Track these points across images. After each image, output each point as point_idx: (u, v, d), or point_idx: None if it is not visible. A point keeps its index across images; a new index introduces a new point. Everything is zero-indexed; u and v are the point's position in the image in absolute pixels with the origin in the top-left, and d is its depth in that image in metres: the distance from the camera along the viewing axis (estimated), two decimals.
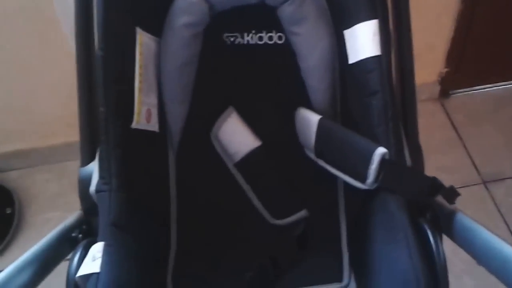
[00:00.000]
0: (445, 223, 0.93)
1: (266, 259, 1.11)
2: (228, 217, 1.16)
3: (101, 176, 0.91)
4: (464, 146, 2.11)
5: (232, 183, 1.15)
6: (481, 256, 0.86)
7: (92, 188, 0.93)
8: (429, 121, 2.20)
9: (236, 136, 1.13)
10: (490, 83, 2.32)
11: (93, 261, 0.83)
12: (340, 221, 1.16)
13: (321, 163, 1.06)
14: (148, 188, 1.02)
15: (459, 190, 1.83)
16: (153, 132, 1.04)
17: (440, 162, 2.03)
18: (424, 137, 2.02)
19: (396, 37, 1.04)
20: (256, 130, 1.14)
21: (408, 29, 1.04)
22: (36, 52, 1.70)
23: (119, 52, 0.94)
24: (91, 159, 1.00)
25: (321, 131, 1.04)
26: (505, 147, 2.10)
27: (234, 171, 1.14)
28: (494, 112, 2.22)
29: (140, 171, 0.98)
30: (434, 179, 0.94)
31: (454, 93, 2.30)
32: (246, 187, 1.15)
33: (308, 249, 1.15)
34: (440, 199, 0.96)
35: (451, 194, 0.95)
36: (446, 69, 2.19)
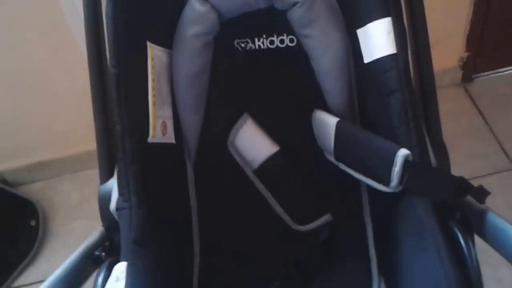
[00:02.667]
0: (476, 223, 0.90)
1: (292, 266, 1.10)
2: (250, 225, 1.15)
3: (120, 193, 0.92)
4: (491, 131, 2.08)
5: (253, 191, 1.14)
6: None
7: (113, 205, 0.94)
8: (454, 107, 2.17)
9: (253, 143, 1.13)
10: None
11: (116, 281, 0.83)
12: (366, 225, 1.14)
13: (342, 166, 1.05)
14: (168, 202, 1.02)
15: (489, 177, 1.84)
16: (170, 144, 1.04)
17: (468, 149, 2.00)
18: (450, 124, 2.01)
19: (412, 33, 1.02)
20: (273, 136, 1.13)
21: (424, 25, 1.02)
22: (54, 63, 1.72)
23: (132, 68, 0.93)
24: (110, 175, 1.01)
25: (340, 134, 1.02)
26: None
27: (253, 178, 1.14)
28: None
29: (159, 185, 0.98)
30: (461, 179, 0.91)
31: (477, 77, 2.27)
32: (266, 194, 1.14)
33: (334, 255, 1.13)
34: (470, 198, 0.93)
35: (481, 193, 0.92)
36: (467, 53, 2.16)
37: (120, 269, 0.84)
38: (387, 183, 0.92)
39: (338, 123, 1.02)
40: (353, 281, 1.11)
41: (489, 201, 0.91)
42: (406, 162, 0.89)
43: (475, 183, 1.57)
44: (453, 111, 2.14)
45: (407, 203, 0.94)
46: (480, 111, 2.15)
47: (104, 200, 0.98)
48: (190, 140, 1.11)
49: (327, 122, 1.05)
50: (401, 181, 0.91)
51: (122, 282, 0.82)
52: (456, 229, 0.90)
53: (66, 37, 1.56)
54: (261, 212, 1.14)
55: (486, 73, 2.28)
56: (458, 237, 0.88)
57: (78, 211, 2.00)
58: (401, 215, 0.96)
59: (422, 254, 0.87)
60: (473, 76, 2.26)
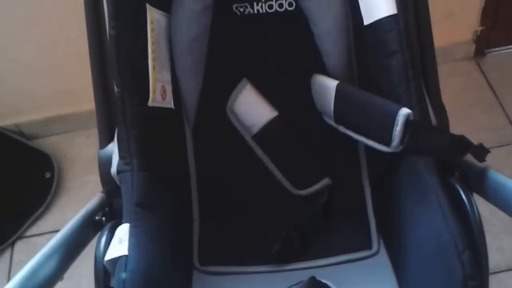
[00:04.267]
0: (477, 182, 0.90)
1: (292, 229, 1.09)
2: (250, 190, 1.15)
3: (121, 157, 0.92)
4: (501, 105, 2.04)
5: (252, 156, 1.14)
6: None
7: (114, 169, 0.93)
8: (465, 80, 2.13)
9: (252, 108, 1.12)
10: None
11: (120, 243, 0.82)
12: (364, 187, 1.14)
13: (342, 129, 1.04)
14: (168, 165, 1.02)
15: (497, 150, 1.82)
16: (168, 109, 1.04)
17: (476, 121, 1.97)
18: (460, 96, 1.99)
19: None
20: (272, 101, 1.13)
21: None
22: (72, 20, 1.72)
23: (131, 30, 0.93)
24: (110, 140, 1.00)
25: (340, 96, 1.01)
26: None
27: (252, 143, 1.14)
28: None
29: (159, 148, 0.98)
30: (462, 137, 0.91)
31: (489, 52, 2.21)
32: (265, 159, 1.14)
33: (333, 218, 1.13)
34: (469, 158, 0.93)
35: (481, 151, 0.91)
36: (480, 27, 2.10)
37: (123, 230, 0.84)
38: (388, 143, 0.92)
39: (338, 85, 1.01)
40: (352, 242, 1.10)
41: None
42: (407, 121, 0.88)
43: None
44: (464, 85, 2.11)
45: (408, 162, 0.93)
46: (490, 85, 2.11)
47: (104, 165, 0.98)
48: (189, 105, 1.10)
49: (327, 85, 1.04)
50: (402, 141, 0.90)
51: (125, 243, 0.82)
52: (457, 186, 0.89)
53: None
54: (260, 177, 1.14)
55: (499, 48, 2.22)
56: (459, 193, 0.88)
57: (92, 165, 1.98)
58: (401, 174, 0.95)
59: (424, 209, 0.86)
60: (486, 51, 2.20)
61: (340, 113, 1.03)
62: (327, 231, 1.11)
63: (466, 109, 2.00)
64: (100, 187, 1.65)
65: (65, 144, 2.09)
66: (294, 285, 0.94)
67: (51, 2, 1.68)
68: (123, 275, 0.78)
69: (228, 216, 1.15)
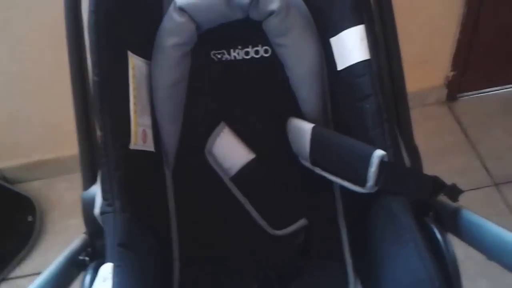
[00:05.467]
0: (451, 221, 0.90)
1: (270, 270, 1.10)
2: (228, 231, 1.16)
3: (104, 198, 0.92)
4: (474, 149, 2.08)
5: (230, 197, 1.15)
6: (492, 251, 0.83)
7: (97, 210, 0.93)
8: (438, 124, 2.18)
9: (230, 151, 1.14)
10: (497, 86, 2.29)
11: (103, 281, 0.82)
12: (340, 227, 1.15)
13: (318, 170, 1.06)
14: (148, 207, 1.02)
15: (471, 193, 1.84)
16: (149, 152, 1.05)
17: (450, 165, 2.00)
18: (433, 140, 2.02)
19: (384, 40, 1.03)
20: (250, 143, 1.14)
21: (394, 31, 1.03)
22: (56, 65, 1.73)
23: (113, 77, 0.95)
24: (93, 182, 1.00)
25: (315, 138, 1.03)
26: None
27: (230, 185, 1.15)
28: (503, 114, 2.19)
29: (140, 191, 0.99)
30: (435, 178, 0.92)
31: (461, 96, 2.28)
32: (243, 200, 1.15)
33: (310, 258, 1.14)
34: (443, 198, 0.94)
35: (454, 192, 0.92)
36: (452, 73, 2.17)
37: (107, 269, 0.84)
38: (363, 184, 0.93)
39: (313, 128, 1.04)
40: (330, 283, 1.11)
41: None
42: (381, 162, 0.90)
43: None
44: (436, 129, 2.15)
45: (382, 203, 0.94)
46: (463, 130, 2.15)
47: (87, 206, 0.97)
48: (169, 148, 1.12)
49: (303, 128, 1.06)
50: (377, 182, 0.91)
51: (109, 282, 0.81)
52: (432, 225, 0.90)
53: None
54: (239, 218, 1.15)
55: (470, 93, 2.28)
56: (434, 233, 0.89)
57: (74, 209, 1.97)
58: (377, 215, 0.96)
59: (400, 249, 0.87)
60: (457, 95, 2.26)
61: (316, 155, 1.04)
62: (304, 272, 1.12)
63: (439, 153, 2.03)
64: (82, 230, 1.65)
65: (48, 188, 2.10)
66: None
67: (32, 52, 1.70)
68: None
69: (207, 256, 1.15)
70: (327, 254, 1.14)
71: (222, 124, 1.14)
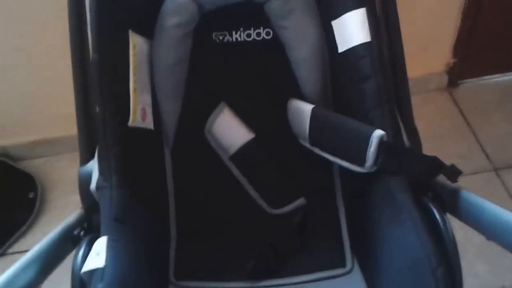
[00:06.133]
0: (449, 202, 0.91)
1: (267, 247, 1.10)
2: (226, 209, 1.17)
3: (101, 173, 0.93)
4: (474, 134, 2.07)
5: (228, 176, 1.16)
6: (491, 230, 0.84)
7: (93, 185, 0.94)
8: (438, 110, 2.17)
9: (230, 130, 1.14)
10: (497, 73, 2.27)
11: (97, 255, 0.82)
12: (338, 207, 1.16)
13: (317, 151, 1.06)
14: (146, 184, 1.03)
15: (471, 177, 1.84)
16: (148, 130, 1.06)
17: (450, 150, 1.99)
18: (434, 125, 2.02)
19: (384, 23, 1.03)
20: (249, 124, 1.15)
21: (395, 14, 1.03)
22: (62, 47, 1.74)
23: (113, 54, 0.95)
24: (90, 158, 1.01)
25: (315, 119, 1.04)
26: None
27: (229, 164, 1.15)
28: (502, 101, 2.18)
29: (138, 167, 0.99)
30: (434, 158, 0.92)
31: (462, 83, 2.26)
32: (242, 179, 1.16)
33: (308, 237, 1.14)
34: (442, 179, 0.94)
35: (453, 172, 0.92)
36: (453, 60, 2.15)
37: (101, 243, 0.84)
38: (362, 164, 0.93)
39: (313, 109, 1.04)
40: (326, 260, 1.11)
41: None
42: (380, 142, 0.90)
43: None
44: (437, 114, 2.15)
45: (381, 182, 0.94)
46: (463, 115, 2.15)
47: (84, 181, 0.98)
48: (168, 127, 1.12)
49: (303, 109, 1.06)
50: (375, 161, 0.92)
51: (103, 256, 0.82)
52: (430, 205, 0.90)
53: None
54: (237, 197, 1.16)
55: (471, 79, 2.27)
56: (433, 212, 0.89)
57: (75, 187, 2.00)
58: (375, 194, 0.97)
59: (398, 227, 0.87)
60: (458, 82, 2.25)
61: (315, 135, 1.05)
62: (301, 250, 1.12)
63: (439, 138, 2.03)
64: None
65: (50, 166, 2.10)
66: None
67: (40, 26, 1.70)
68: (99, 286, 0.78)
69: (204, 234, 1.15)
70: (324, 234, 1.14)
71: (222, 104, 1.14)
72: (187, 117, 1.13)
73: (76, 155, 2.01)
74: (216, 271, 1.11)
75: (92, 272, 0.81)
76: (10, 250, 1.86)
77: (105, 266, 0.80)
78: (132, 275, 0.85)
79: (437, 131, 2.07)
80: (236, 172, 1.16)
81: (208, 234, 1.15)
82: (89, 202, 0.98)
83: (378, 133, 0.90)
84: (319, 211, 1.15)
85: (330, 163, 1.08)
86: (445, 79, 2.23)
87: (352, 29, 0.98)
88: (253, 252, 1.09)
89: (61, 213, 1.93)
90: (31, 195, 1.96)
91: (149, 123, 1.06)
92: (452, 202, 0.91)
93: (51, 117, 2.03)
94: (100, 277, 0.79)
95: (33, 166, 2.09)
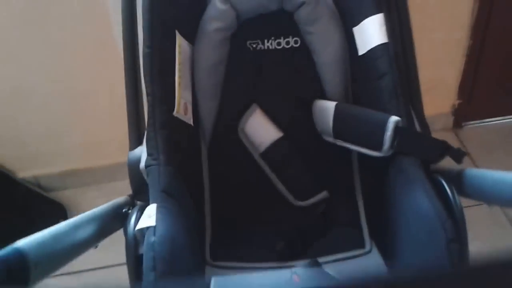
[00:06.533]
0: (455, 180, 0.98)
1: (294, 232, 1.20)
2: (256, 201, 1.27)
3: (149, 154, 1.03)
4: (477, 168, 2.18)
5: (258, 171, 1.27)
6: (493, 194, 0.91)
7: (142, 164, 1.04)
8: None
9: (261, 129, 1.26)
10: (501, 116, 2.40)
11: (148, 217, 0.91)
12: (358, 199, 1.26)
13: (340, 143, 1.17)
14: (186, 169, 1.12)
15: (476, 208, 1.92)
16: (189, 125, 1.17)
17: None
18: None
19: (398, 29, 1.15)
20: (278, 123, 1.27)
21: (407, 20, 1.15)
22: (96, 78, 1.86)
23: (162, 50, 1.07)
24: (138, 144, 1.12)
25: (338, 113, 1.15)
26: None
27: (259, 160, 1.26)
28: (506, 142, 2.29)
29: (180, 152, 1.09)
30: (444, 141, 1.03)
31: (467, 124, 2.39)
32: (270, 174, 1.26)
33: (330, 224, 1.24)
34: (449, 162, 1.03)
35: (459, 154, 1.03)
36: (458, 101, 2.28)
37: (152, 209, 0.93)
38: (379, 148, 1.04)
39: (337, 105, 1.16)
40: (347, 243, 1.20)
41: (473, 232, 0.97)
42: (396, 126, 1.01)
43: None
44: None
45: (396, 164, 1.05)
46: (468, 154, 2.26)
47: (133, 164, 1.08)
48: (206, 124, 1.24)
49: (327, 107, 1.18)
50: (392, 144, 1.02)
51: (154, 217, 0.90)
52: (440, 178, 0.99)
53: (110, 53, 1.65)
54: (266, 190, 1.27)
55: (475, 121, 2.39)
56: (442, 184, 0.97)
57: None
58: (389, 175, 1.07)
59: (409, 193, 0.97)
60: (463, 124, 2.37)
61: (338, 128, 1.16)
62: (324, 235, 1.22)
63: None
64: (110, 239, 1.75)
65: (79, 196, 2.19)
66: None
67: (74, 63, 1.83)
68: (153, 238, 0.87)
69: (236, 221, 1.25)
70: (344, 221, 1.25)
71: (254, 105, 1.26)
72: (223, 116, 1.25)
73: (103, 186, 2.13)
74: (248, 253, 1.20)
75: (144, 230, 0.90)
76: None
77: (156, 225, 0.89)
78: (180, 236, 0.94)
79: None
80: (265, 168, 1.27)
81: (240, 222, 1.25)
82: (137, 183, 1.07)
83: (394, 118, 1.02)
84: (340, 202, 1.26)
85: (351, 158, 1.21)
86: (450, 120, 2.35)
87: (371, 33, 1.10)
88: (281, 237, 1.18)
89: None
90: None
91: (189, 118, 1.17)
92: (457, 180, 0.98)
93: (82, 148, 2.15)
94: (153, 233, 0.88)
95: (63, 196, 2.18)
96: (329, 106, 1.18)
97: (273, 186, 1.27)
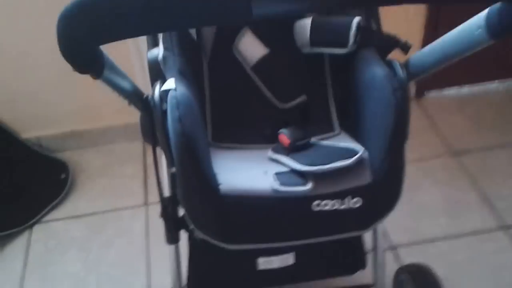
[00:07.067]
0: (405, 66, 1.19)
1: (280, 122, 1.39)
2: (248, 105, 1.50)
3: (165, 48, 1.25)
4: (437, 130, 2.47)
5: (250, 82, 1.49)
6: (429, 61, 1.12)
7: (160, 56, 1.25)
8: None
9: (251, 47, 1.48)
10: (458, 85, 2.70)
11: (169, 84, 1.12)
12: (329, 100, 1.49)
13: (315, 50, 1.40)
14: (193, 70, 1.33)
15: (434, 161, 2.17)
16: (193, 39, 1.40)
17: (417, 142, 2.38)
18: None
19: None
20: (265, 42, 1.49)
21: None
22: None
23: None
24: (155, 45, 1.32)
25: (314, 24, 1.38)
26: (471, 129, 2.45)
27: (251, 72, 1.49)
28: (462, 107, 2.58)
29: (188, 52, 1.30)
30: (394, 36, 1.28)
31: (428, 93, 2.68)
32: (259, 83, 1.49)
33: (307, 118, 1.46)
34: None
35: (406, 46, 1.28)
36: None
37: (171, 81, 1.13)
38: (346, 44, 1.28)
39: (313, 18, 1.39)
40: (321, 129, 1.43)
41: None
42: (358, 25, 1.26)
43: (421, 164, 2.15)
44: None
45: (358, 56, 1.28)
46: (428, 116, 2.55)
47: (151, 60, 1.27)
48: (206, 44, 1.47)
49: (305, 22, 1.41)
50: (355, 40, 1.26)
51: (173, 83, 1.11)
52: (391, 60, 1.21)
53: None
54: (256, 97, 1.49)
55: (435, 90, 2.69)
56: (393, 64, 1.18)
57: (102, 171, 2.31)
58: (354, 66, 1.30)
59: (369, 72, 1.20)
60: (424, 92, 2.66)
61: (314, 36, 1.38)
62: (305, 125, 1.42)
63: (410, 137, 2.38)
64: (108, 188, 2.13)
65: (78, 157, 2.40)
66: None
67: None
68: (174, 92, 1.09)
69: (232, 118, 1.47)
70: (318, 115, 1.48)
71: (245, 27, 1.50)
72: (220, 35, 1.48)
73: (101, 148, 2.33)
74: (242, 136, 1.43)
75: (166, 92, 1.11)
76: (44, 219, 2.13)
77: (176, 87, 1.11)
78: (194, 102, 1.16)
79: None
80: (255, 78, 1.49)
81: (235, 119, 1.48)
82: (155, 76, 1.25)
83: (357, 19, 1.27)
84: (316, 104, 1.49)
85: (324, 68, 1.47)
86: (413, 88, 2.62)
87: None
88: (269, 126, 1.41)
89: (89, 192, 2.24)
90: (63, 176, 2.24)
91: (193, 33, 1.41)
92: (405, 64, 1.19)
93: (82, 110, 2.34)
94: (174, 91, 1.10)
95: (63, 157, 2.37)
96: (307, 21, 1.40)
97: (261, 92, 1.49)
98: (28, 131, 2.34)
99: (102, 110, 2.35)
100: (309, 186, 1.09)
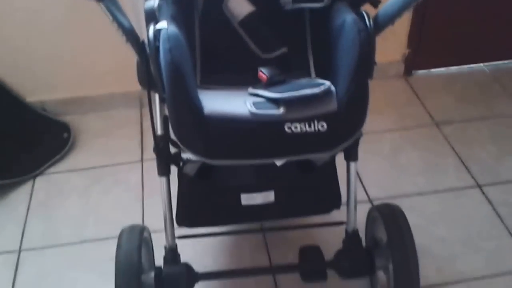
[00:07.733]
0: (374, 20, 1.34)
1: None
2: (234, 54, 1.63)
3: None
4: (423, 104, 2.60)
5: (237, 35, 1.62)
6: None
7: (155, 4, 1.36)
8: (395, 90, 2.70)
9: (239, 5, 1.62)
10: (445, 66, 2.82)
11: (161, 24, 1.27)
12: (308, 50, 1.63)
13: (296, 5, 1.54)
14: (185, 21, 1.47)
15: (417, 130, 2.31)
16: None
17: (403, 113, 2.54)
18: (391, 99, 2.50)
19: None
20: (252, 1, 1.62)
21: None
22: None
23: None
24: None
25: None
26: (455, 104, 2.59)
27: (238, 27, 1.62)
28: (448, 87, 2.70)
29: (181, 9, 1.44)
30: None
31: (416, 72, 2.79)
32: (245, 37, 1.62)
33: (288, 69, 1.57)
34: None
35: (376, 1, 1.39)
36: (408, 50, 2.68)
37: (164, 21, 1.28)
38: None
39: None
40: (298, 77, 1.53)
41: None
42: None
43: (405, 133, 2.35)
44: (394, 93, 2.68)
45: (333, 9, 1.44)
46: (415, 93, 2.67)
47: (148, 9, 1.36)
48: (198, 3, 1.60)
49: None
50: None
51: (166, 24, 1.27)
52: (362, 11, 1.36)
53: None
54: (242, 48, 1.62)
55: (423, 69, 2.80)
56: (363, 14, 1.35)
57: (101, 132, 2.45)
58: (330, 19, 1.44)
59: (341, 19, 1.35)
60: (412, 72, 2.77)
61: None
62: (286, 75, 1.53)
63: (396, 106, 2.58)
64: (106, 147, 2.31)
65: (79, 120, 2.52)
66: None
67: None
68: (166, 29, 1.25)
69: (219, 69, 1.61)
70: (298, 67, 1.62)
71: None
72: None
73: (101, 114, 2.46)
74: (227, 81, 1.57)
75: (159, 30, 1.26)
76: (46, 171, 2.28)
77: (168, 27, 1.26)
78: (184, 42, 1.30)
79: (394, 102, 2.61)
80: (241, 32, 1.62)
81: (221, 66, 1.62)
82: (151, 21, 1.33)
83: None
84: (295, 56, 1.63)
85: (304, 22, 1.61)
86: (401, 67, 2.74)
87: None
88: (252, 72, 1.51)
89: (89, 150, 2.38)
90: (65, 135, 2.37)
91: None
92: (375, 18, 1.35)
93: (85, 76, 2.47)
94: (166, 29, 1.25)
95: (65, 119, 2.50)
96: None
97: (246, 45, 1.62)
98: (33, 95, 2.46)
99: (103, 78, 2.47)
100: (281, 110, 1.24)
